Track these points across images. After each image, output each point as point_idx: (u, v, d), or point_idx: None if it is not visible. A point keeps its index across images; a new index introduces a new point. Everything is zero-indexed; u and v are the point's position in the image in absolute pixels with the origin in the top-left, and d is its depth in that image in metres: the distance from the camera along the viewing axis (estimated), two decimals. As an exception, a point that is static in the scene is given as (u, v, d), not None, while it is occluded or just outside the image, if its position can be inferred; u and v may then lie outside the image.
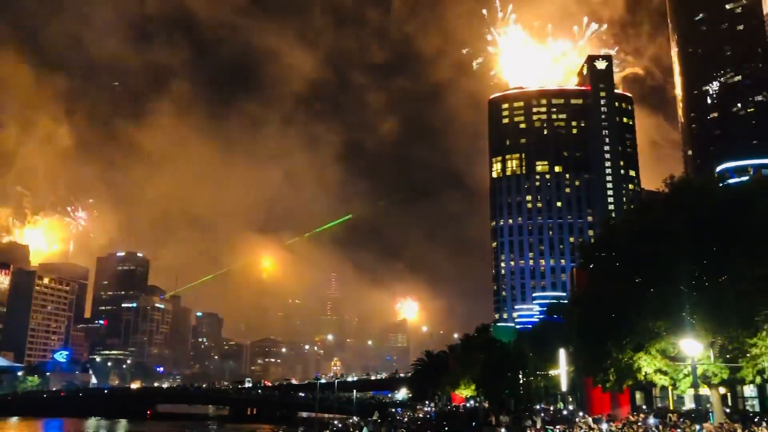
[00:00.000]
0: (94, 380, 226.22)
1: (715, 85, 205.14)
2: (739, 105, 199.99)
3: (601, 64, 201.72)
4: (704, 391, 34.39)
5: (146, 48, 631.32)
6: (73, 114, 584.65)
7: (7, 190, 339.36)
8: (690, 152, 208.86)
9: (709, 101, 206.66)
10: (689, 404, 44.36)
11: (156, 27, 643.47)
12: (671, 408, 45.03)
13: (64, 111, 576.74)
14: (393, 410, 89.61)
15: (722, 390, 36.02)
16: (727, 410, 37.59)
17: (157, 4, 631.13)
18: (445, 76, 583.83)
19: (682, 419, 34.86)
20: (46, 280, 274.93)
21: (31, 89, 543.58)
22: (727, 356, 30.86)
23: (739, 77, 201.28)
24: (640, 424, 33.27)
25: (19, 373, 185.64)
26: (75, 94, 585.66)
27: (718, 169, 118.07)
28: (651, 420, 34.08)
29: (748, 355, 29.71)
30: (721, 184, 39.08)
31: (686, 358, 29.30)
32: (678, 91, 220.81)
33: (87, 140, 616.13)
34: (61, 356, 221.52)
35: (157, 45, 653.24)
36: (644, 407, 46.43)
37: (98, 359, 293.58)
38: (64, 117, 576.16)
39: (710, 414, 33.54)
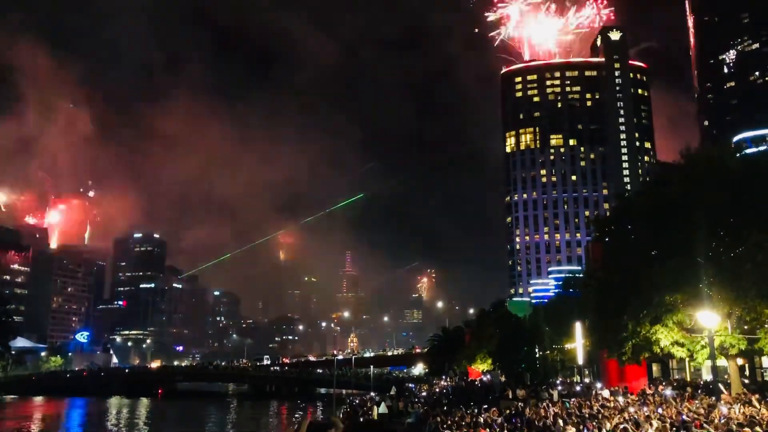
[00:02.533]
0: (115, 360, 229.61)
1: (731, 54, 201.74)
2: (756, 73, 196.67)
3: (615, 35, 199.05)
4: (722, 362, 34.36)
5: (164, 32, 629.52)
6: (93, 99, 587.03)
7: (29, 175, 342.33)
8: (706, 123, 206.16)
9: (725, 70, 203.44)
10: (706, 376, 44.36)
11: (174, 11, 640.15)
12: (688, 379, 45.06)
13: (84, 96, 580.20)
14: (410, 385, 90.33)
15: (740, 361, 35.99)
16: (745, 381, 37.55)
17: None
18: (457, 51, 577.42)
19: (699, 390, 34.88)
20: (65, 263, 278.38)
21: (52, 75, 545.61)
22: (745, 327, 30.76)
23: (756, 45, 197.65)
24: (656, 395, 33.31)
25: (43, 354, 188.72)
26: (94, 79, 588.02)
27: (735, 139, 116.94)
28: (668, 391, 34.11)
29: (766, 325, 29.60)
30: (738, 154, 38.57)
31: (703, 329, 29.21)
32: (694, 62, 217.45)
33: (106, 124, 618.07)
34: (82, 337, 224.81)
35: (175, 29, 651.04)
36: (661, 379, 46.50)
37: (118, 339, 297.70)
38: (84, 102, 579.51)
39: (727, 385, 33.53)
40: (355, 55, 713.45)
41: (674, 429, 20.38)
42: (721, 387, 30.84)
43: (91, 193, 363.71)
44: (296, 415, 77.35)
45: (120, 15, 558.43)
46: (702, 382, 41.23)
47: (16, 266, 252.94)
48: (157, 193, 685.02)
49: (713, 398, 28.04)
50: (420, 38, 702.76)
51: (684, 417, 23.02)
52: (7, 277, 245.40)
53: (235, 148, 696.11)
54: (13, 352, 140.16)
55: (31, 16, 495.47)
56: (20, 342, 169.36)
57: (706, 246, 30.27)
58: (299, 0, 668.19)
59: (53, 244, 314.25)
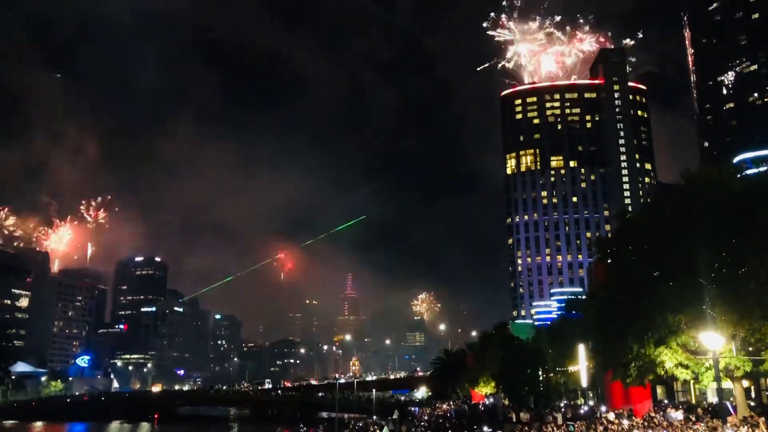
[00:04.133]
0: (115, 384, 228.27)
1: (730, 75, 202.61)
2: (755, 95, 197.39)
3: (614, 57, 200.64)
4: (727, 384, 34.12)
5: (171, 59, 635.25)
6: (100, 125, 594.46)
7: (34, 199, 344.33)
8: (706, 144, 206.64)
9: (724, 92, 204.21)
10: (711, 398, 43.98)
11: (181, 40, 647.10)
12: (693, 402, 44.71)
13: (90, 122, 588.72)
14: (413, 409, 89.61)
15: (745, 383, 35.73)
16: (751, 403, 37.24)
17: (181, 18, 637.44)
18: (456, 74, 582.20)
19: (704, 413, 34.58)
20: (66, 287, 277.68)
21: (59, 102, 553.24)
22: (750, 349, 30.56)
23: (754, 66, 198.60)
24: (662, 418, 33.04)
25: (43, 379, 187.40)
26: (101, 106, 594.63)
27: (736, 160, 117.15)
28: (674, 414, 33.85)
29: (770, 347, 29.42)
30: (738, 175, 38.64)
31: (708, 351, 29.05)
32: (692, 83, 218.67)
33: (111, 149, 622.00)
34: (82, 361, 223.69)
35: (182, 57, 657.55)
36: (666, 401, 46.14)
37: (119, 363, 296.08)
38: (90, 128, 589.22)
39: (733, 407, 33.25)
40: (356, 79, 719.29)
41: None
42: (729, 408, 30.61)
43: (92, 218, 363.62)
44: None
45: (128, 43, 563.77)
46: (708, 405, 40.90)
47: (16, 290, 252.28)
48: (160, 217, 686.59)
49: (719, 421, 27.81)
50: (419, 62, 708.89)
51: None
52: (8, 302, 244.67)
53: (237, 172, 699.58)
54: (13, 377, 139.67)
55: (39, 43, 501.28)
56: (20, 367, 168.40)
57: (708, 267, 30.20)
58: (303, 28, 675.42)
59: (54, 267, 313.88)
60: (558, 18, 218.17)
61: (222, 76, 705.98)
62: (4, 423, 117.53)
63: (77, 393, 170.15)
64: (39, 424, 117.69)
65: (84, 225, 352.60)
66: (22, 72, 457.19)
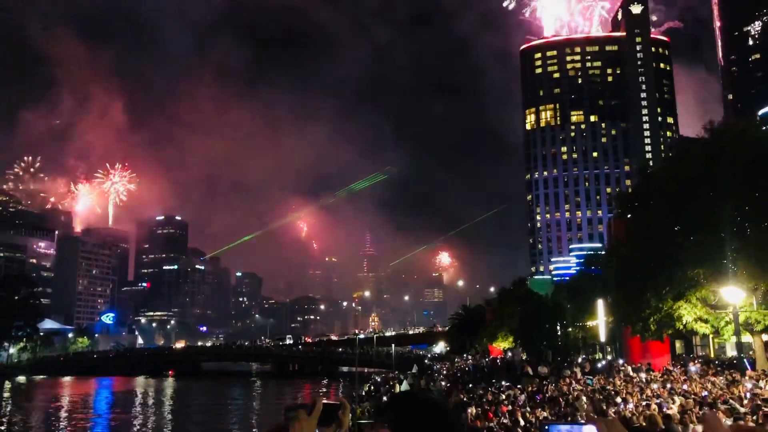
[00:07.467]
0: (140, 341, 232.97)
1: (756, 25, 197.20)
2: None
3: (636, 9, 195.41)
4: (746, 338, 34.00)
5: (195, 21, 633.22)
6: (123, 85, 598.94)
7: (59, 160, 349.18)
8: (730, 96, 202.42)
9: (750, 42, 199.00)
10: (731, 352, 43.97)
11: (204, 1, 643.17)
12: (712, 356, 44.73)
13: (116, 84, 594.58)
14: (431, 363, 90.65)
15: (765, 337, 35.60)
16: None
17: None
18: (475, 29, 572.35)
19: (723, 367, 34.58)
20: (90, 245, 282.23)
21: (86, 65, 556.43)
22: (771, 302, 30.39)
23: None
24: (680, 372, 33.10)
25: (70, 335, 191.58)
26: (127, 68, 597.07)
27: (761, 112, 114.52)
28: (692, 368, 33.89)
29: (792, 301, 29.22)
30: (764, 128, 37.83)
31: (727, 305, 28.90)
32: (718, 34, 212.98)
33: (135, 110, 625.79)
34: (107, 318, 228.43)
35: (205, 18, 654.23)
36: (684, 356, 46.19)
37: (143, 320, 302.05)
38: (115, 89, 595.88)
39: (751, 362, 33.21)
40: (372, 36, 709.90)
41: (698, 405, 20.24)
42: (746, 363, 30.59)
43: (115, 179, 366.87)
44: (321, 392, 78.12)
45: (153, 6, 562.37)
46: (725, 359, 40.89)
47: (42, 250, 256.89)
48: (182, 177, 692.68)
49: (738, 374, 27.80)
50: (437, 17, 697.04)
51: (708, 393, 22.87)
52: (34, 261, 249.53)
53: (260, 133, 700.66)
54: (41, 334, 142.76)
55: (65, 5, 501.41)
56: (48, 324, 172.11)
57: (730, 220, 29.82)
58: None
59: (78, 227, 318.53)
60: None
61: (245, 36, 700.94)
62: (34, 377, 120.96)
63: (103, 349, 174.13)
64: (67, 378, 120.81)
65: (107, 185, 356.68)
66: (48, 32, 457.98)
